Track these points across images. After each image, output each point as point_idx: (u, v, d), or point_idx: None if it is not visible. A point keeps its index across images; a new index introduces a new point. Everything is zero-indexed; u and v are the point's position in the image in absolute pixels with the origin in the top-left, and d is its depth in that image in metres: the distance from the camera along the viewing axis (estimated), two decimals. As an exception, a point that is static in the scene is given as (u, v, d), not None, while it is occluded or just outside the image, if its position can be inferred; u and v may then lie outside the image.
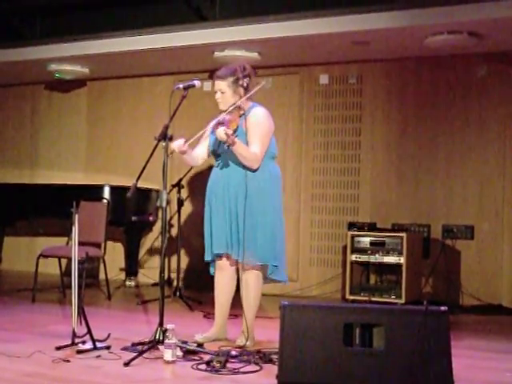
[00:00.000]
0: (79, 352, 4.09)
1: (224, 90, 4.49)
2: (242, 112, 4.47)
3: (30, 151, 9.14)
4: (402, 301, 6.22)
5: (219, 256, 4.57)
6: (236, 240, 4.42)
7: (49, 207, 7.49)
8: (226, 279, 4.63)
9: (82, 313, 4.18)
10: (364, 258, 6.46)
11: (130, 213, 7.20)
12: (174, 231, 6.81)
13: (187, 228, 7.37)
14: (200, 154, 4.67)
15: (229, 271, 4.61)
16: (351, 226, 6.95)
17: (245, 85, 4.49)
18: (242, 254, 4.40)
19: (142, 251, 8.03)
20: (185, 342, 4.18)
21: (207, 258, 4.60)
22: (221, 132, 4.24)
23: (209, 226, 4.56)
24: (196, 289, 7.02)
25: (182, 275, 6.68)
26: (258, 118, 4.48)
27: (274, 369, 3.64)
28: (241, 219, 4.39)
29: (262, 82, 4.52)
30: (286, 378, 3.42)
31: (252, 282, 4.51)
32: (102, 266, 6.77)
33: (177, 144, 4.44)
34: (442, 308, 3.43)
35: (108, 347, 4.22)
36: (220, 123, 4.35)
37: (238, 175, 4.43)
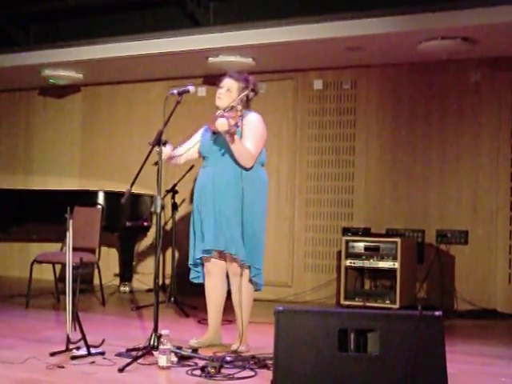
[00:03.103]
0: (73, 358, 4.08)
1: (232, 90, 4.52)
2: (239, 114, 4.49)
3: (24, 156, 9.13)
4: (397, 306, 6.23)
5: (209, 256, 4.55)
6: (225, 237, 4.40)
7: (43, 213, 7.48)
8: (215, 283, 4.63)
9: (76, 318, 4.17)
10: (358, 263, 6.46)
11: (125, 218, 7.20)
12: (169, 236, 6.79)
13: (182, 233, 7.35)
14: (189, 152, 4.67)
15: (217, 275, 4.62)
16: (345, 231, 6.95)
17: (250, 97, 4.55)
18: (231, 248, 4.39)
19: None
20: (179, 348, 4.17)
21: (192, 260, 4.60)
22: (222, 121, 4.23)
23: (199, 226, 4.54)
24: (191, 294, 6.99)
25: (176, 281, 6.65)
26: (254, 122, 4.51)
27: (268, 374, 3.64)
28: (230, 217, 4.38)
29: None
30: (281, 384, 3.42)
31: (245, 287, 4.52)
32: (96, 271, 6.74)
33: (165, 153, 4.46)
34: (437, 313, 3.43)
35: (102, 353, 4.21)
36: (219, 117, 4.33)
37: (228, 174, 4.43)
